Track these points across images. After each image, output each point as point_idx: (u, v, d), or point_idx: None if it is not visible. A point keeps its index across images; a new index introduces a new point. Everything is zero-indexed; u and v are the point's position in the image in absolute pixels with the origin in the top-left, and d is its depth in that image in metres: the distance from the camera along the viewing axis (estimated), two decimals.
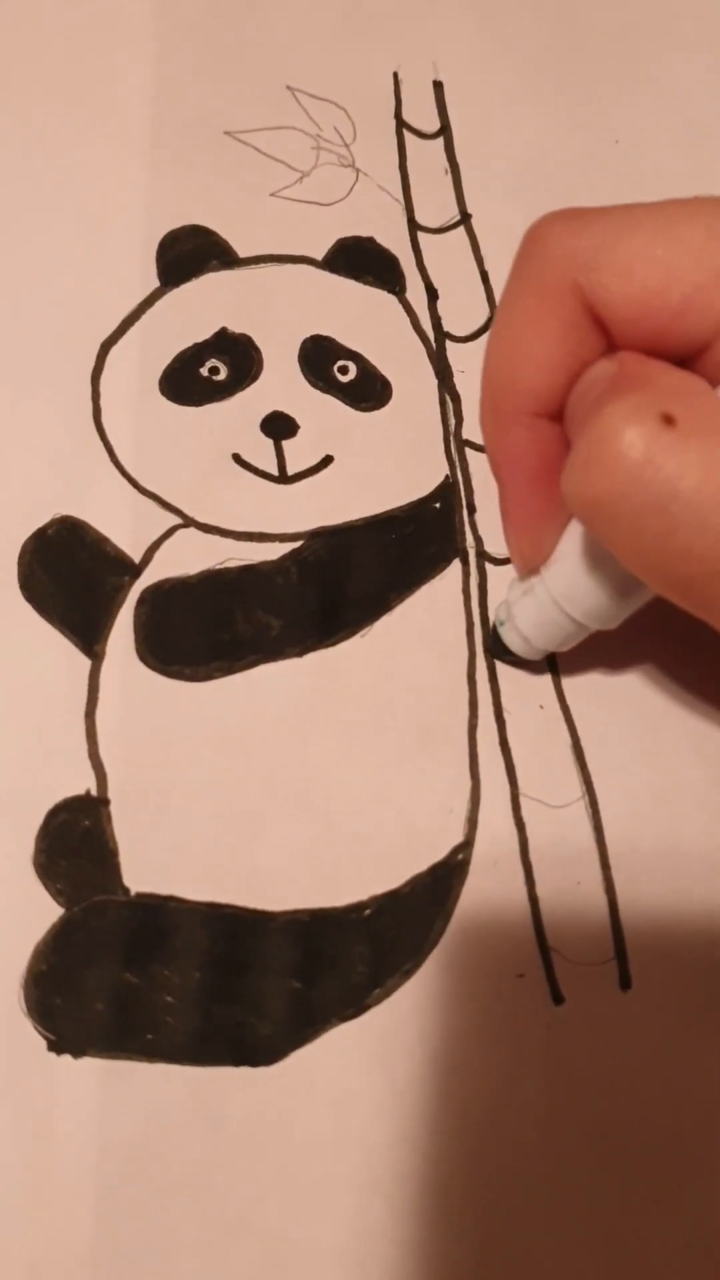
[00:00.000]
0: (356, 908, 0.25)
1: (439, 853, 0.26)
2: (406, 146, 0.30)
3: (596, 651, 0.27)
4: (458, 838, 0.26)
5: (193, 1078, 0.24)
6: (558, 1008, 0.25)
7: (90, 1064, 0.24)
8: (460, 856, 0.26)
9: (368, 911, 0.25)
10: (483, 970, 0.25)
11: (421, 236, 0.30)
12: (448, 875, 0.26)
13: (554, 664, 0.27)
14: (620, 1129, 0.24)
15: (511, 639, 0.26)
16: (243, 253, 0.29)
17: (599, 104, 0.31)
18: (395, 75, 0.31)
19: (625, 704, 0.27)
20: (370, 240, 0.29)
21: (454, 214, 0.30)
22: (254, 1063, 0.24)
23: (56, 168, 0.29)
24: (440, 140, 0.30)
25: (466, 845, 0.26)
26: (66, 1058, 0.24)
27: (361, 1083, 0.24)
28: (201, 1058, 0.24)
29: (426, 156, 0.30)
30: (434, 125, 0.31)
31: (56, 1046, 0.24)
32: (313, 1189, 0.24)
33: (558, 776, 0.26)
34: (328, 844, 0.26)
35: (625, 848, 0.26)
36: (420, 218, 0.30)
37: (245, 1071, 0.24)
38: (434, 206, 0.30)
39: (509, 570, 0.28)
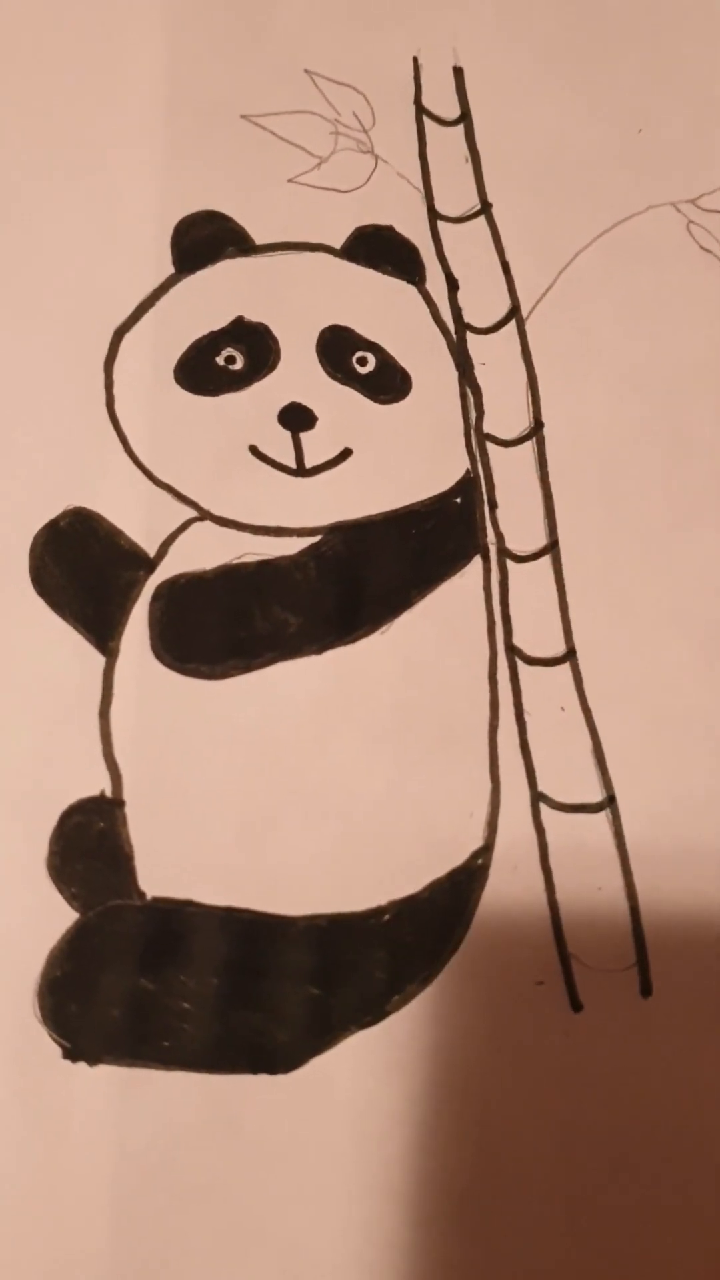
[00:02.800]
0: (375, 913, 0.25)
1: (459, 857, 0.25)
2: (426, 133, 0.30)
3: (618, 651, 0.27)
4: (477, 842, 0.25)
5: (210, 1085, 0.24)
6: (577, 1015, 0.24)
7: (106, 1071, 0.24)
8: (480, 861, 0.25)
9: (387, 917, 0.25)
10: (502, 977, 0.25)
11: (441, 225, 0.29)
12: (467, 880, 0.25)
13: (575, 662, 0.27)
14: (639, 1138, 0.24)
15: None
16: (259, 239, 0.28)
17: (621, 92, 0.31)
18: (415, 60, 0.30)
19: (646, 707, 0.27)
20: (389, 229, 0.29)
21: (474, 203, 0.29)
22: (272, 1070, 0.24)
23: (70, 151, 0.28)
24: (460, 127, 0.30)
25: (486, 850, 0.25)
26: (82, 1065, 0.24)
27: (380, 1090, 0.24)
28: (219, 1065, 0.24)
29: (446, 144, 0.30)
30: (454, 112, 0.30)
31: (72, 1054, 0.24)
32: (330, 1197, 0.23)
33: (578, 780, 0.26)
34: (346, 847, 0.25)
35: (647, 852, 0.25)
36: (440, 206, 0.29)
37: (263, 1079, 0.24)
38: (454, 195, 0.29)
39: (532, 567, 0.27)
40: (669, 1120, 0.24)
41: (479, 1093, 0.24)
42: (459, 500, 0.27)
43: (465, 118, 0.30)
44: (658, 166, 0.30)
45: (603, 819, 0.26)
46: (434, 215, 0.29)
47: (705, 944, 0.25)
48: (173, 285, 0.28)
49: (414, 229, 0.29)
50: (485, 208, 0.29)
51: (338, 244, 0.29)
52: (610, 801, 0.26)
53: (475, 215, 0.29)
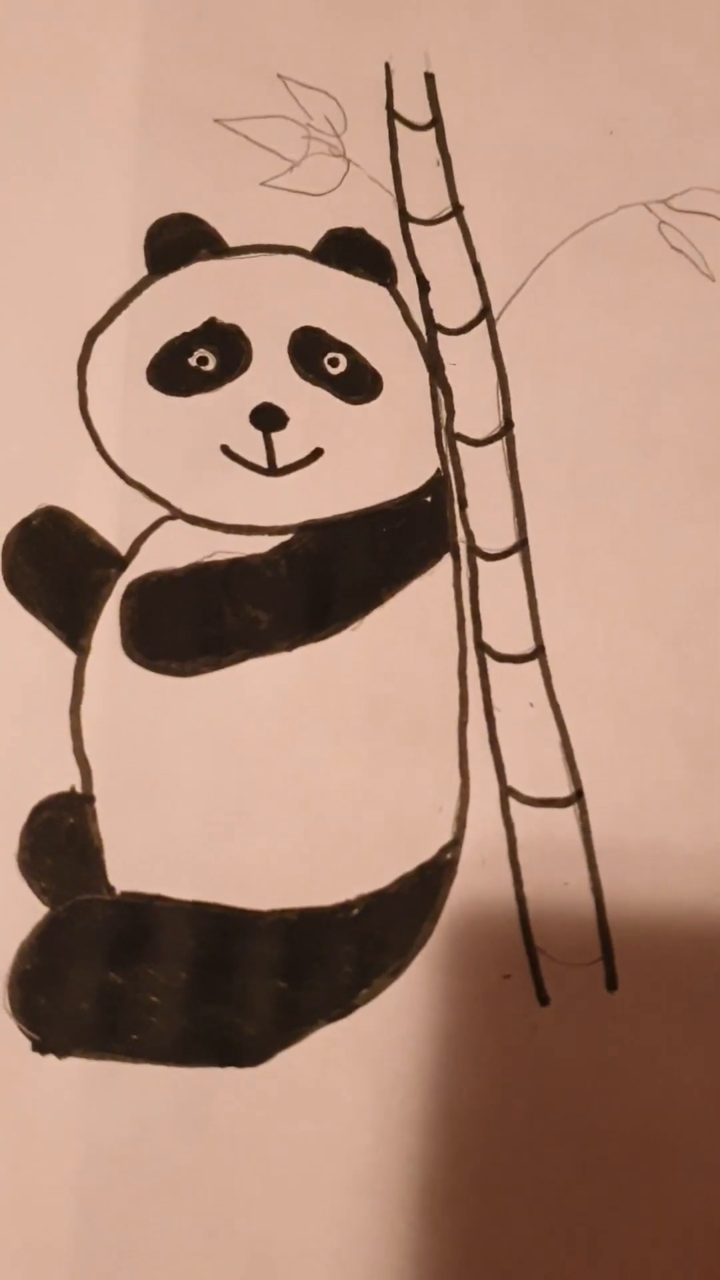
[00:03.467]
0: (344, 907, 0.25)
1: (427, 852, 0.25)
2: (398, 137, 0.30)
3: (587, 648, 0.27)
4: (446, 837, 0.26)
5: (178, 1079, 0.24)
6: (544, 1009, 0.25)
7: (75, 1065, 0.24)
8: (449, 856, 0.25)
9: (355, 911, 0.25)
10: (469, 971, 0.25)
11: (413, 228, 0.29)
12: (436, 875, 0.25)
13: (544, 659, 0.27)
14: (606, 1129, 0.24)
15: None
16: (232, 242, 0.29)
17: (593, 95, 0.31)
18: (387, 66, 0.30)
19: (614, 703, 0.27)
20: (361, 232, 0.29)
21: (446, 205, 0.30)
22: (240, 1063, 0.24)
23: (45, 154, 0.29)
24: (432, 132, 0.30)
25: (455, 844, 0.26)
26: (51, 1058, 0.24)
27: (348, 1083, 0.24)
28: (187, 1058, 0.24)
29: (418, 148, 0.30)
30: (426, 117, 0.30)
31: (41, 1047, 0.24)
32: (298, 1190, 0.23)
33: (546, 775, 0.26)
34: (316, 842, 0.25)
35: (613, 847, 0.26)
36: (412, 209, 0.29)
37: (231, 1072, 0.24)
38: (425, 198, 0.30)
39: (501, 565, 0.28)
40: (635, 1111, 0.24)
41: (446, 1085, 0.24)
42: (429, 499, 0.28)
43: (436, 122, 0.30)
44: (629, 168, 0.31)
45: (570, 814, 0.26)
46: (405, 218, 0.29)
47: (670, 938, 0.25)
48: (146, 287, 0.28)
49: (385, 232, 0.29)
50: (457, 210, 0.30)
51: (310, 246, 0.29)
52: (578, 796, 0.26)
53: (447, 218, 0.30)
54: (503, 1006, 0.24)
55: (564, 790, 0.26)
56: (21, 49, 0.29)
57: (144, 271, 0.28)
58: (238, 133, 0.29)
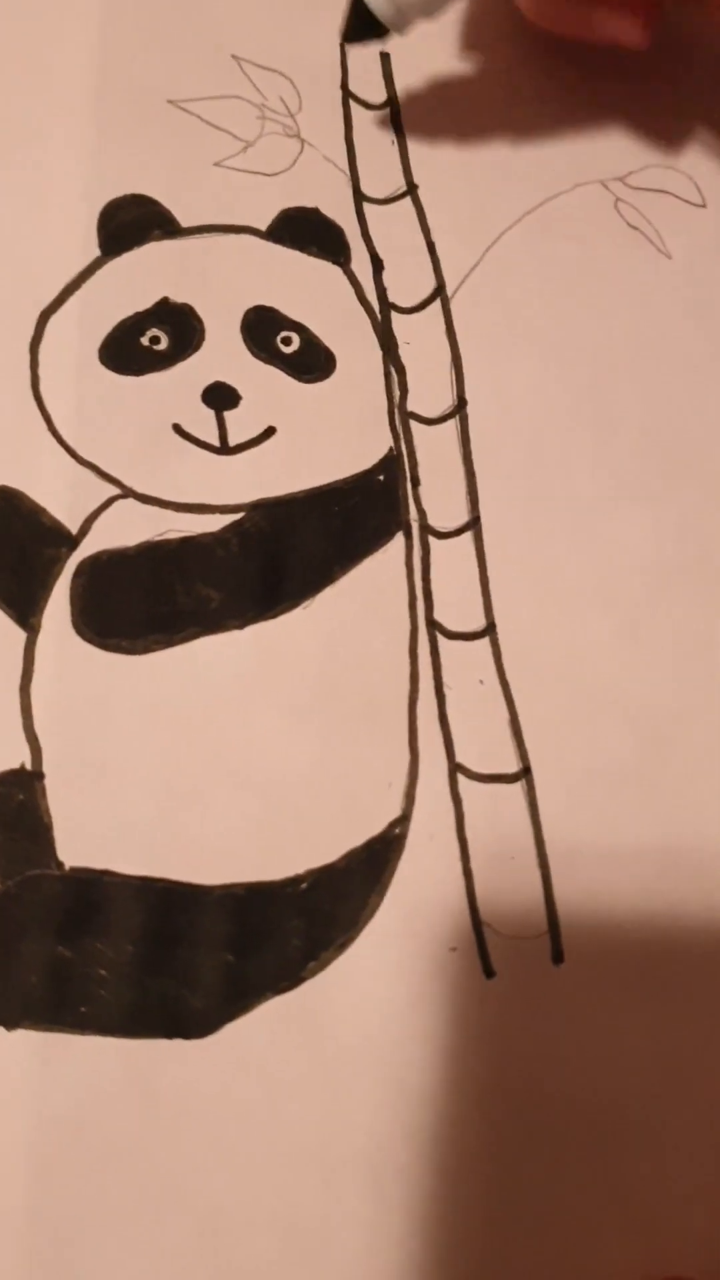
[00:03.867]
0: (293, 881, 0.25)
1: (376, 827, 0.26)
2: (353, 117, 0.30)
3: (538, 626, 0.27)
4: (395, 812, 0.26)
5: (126, 1050, 0.24)
6: (490, 981, 0.25)
7: (23, 1036, 0.24)
8: (397, 831, 0.26)
9: (304, 885, 0.25)
10: (417, 944, 0.25)
11: (367, 207, 0.29)
12: (384, 849, 0.26)
13: (494, 637, 0.27)
14: (553, 1100, 0.24)
15: None
16: (186, 222, 0.29)
17: (549, 72, 0.31)
18: (342, 47, 0.30)
19: (564, 681, 0.27)
20: (315, 211, 0.29)
21: (400, 185, 0.30)
22: (187, 1035, 0.24)
23: None
24: (387, 111, 0.30)
25: (404, 819, 0.26)
26: (0, 1030, 0.24)
27: (295, 1055, 0.24)
28: (135, 1030, 0.24)
29: (373, 127, 0.30)
30: (381, 96, 0.30)
31: None
32: (246, 1160, 0.24)
33: (495, 752, 0.26)
34: (265, 818, 0.25)
35: (560, 823, 0.26)
36: (366, 188, 0.30)
37: (179, 1044, 0.24)
38: (380, 177, 0.30)
39: (453, 543, 0.28)
40: (581, 1082, 0.24)
41: (393, 1057, 0.24)
42: (382, 477, 0.28)
43: (392, 101, 0.30)
44: (586, 146, 0.31)
45: (518, 790, 0.26)
46: (360, 197, 0.29)
47: (615, 913, 0.25)
48: (99, 268, 0.28)
49: (340, 211, 0.29)
50: (411, 189, 0.30)
51: (264, 226, 0.29)
52: (525, 773, 0.26)
53: (401, 196, 0.30)
54: (449, 979, 0.25)
55: (512, 766, 0.26)
56: None
57: (97, 253, 0.28)
58: (192, 113, 0.29)
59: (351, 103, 0.30)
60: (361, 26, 0.27)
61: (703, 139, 0.31)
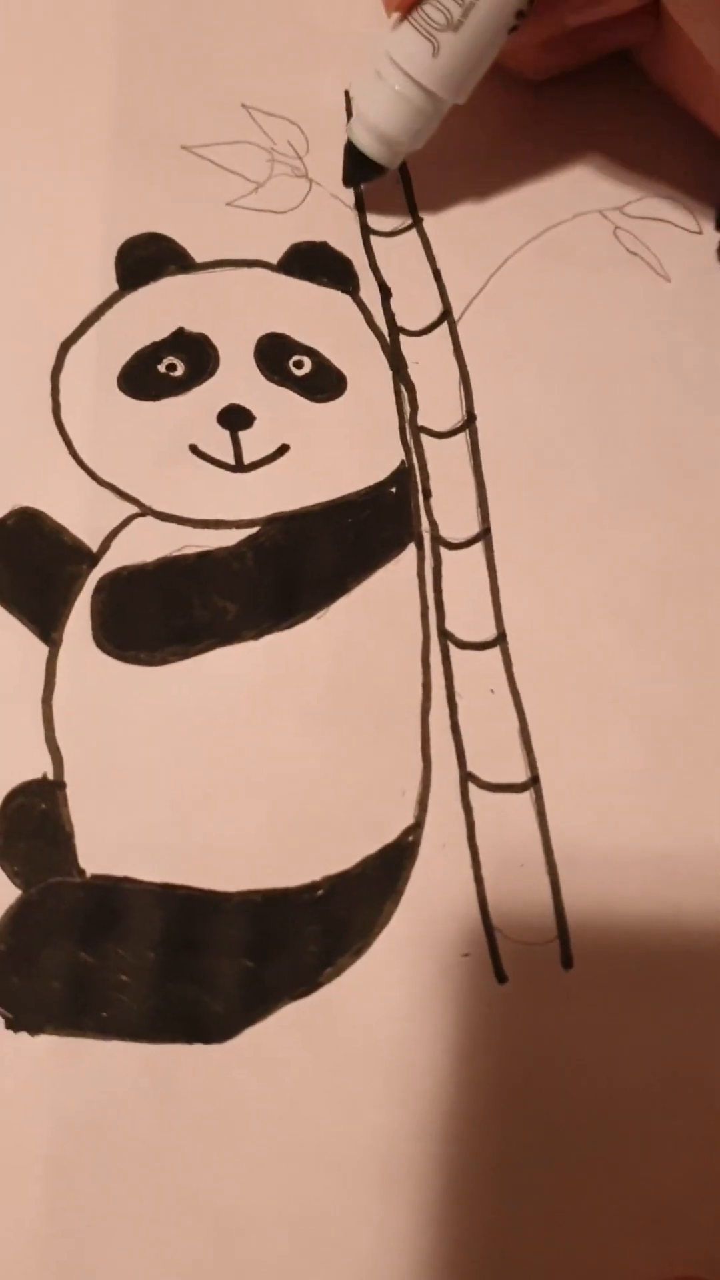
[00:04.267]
0: (309, 888, 0.26)
1: (390, 834, 0.26)
2: None
3: (547, 636, 0.28)
4: (408, 819, 0.26)
5: (146, 1055, 0.24)
6: (502, 986, 0.25)
7: (46, 1041, 0.24)
8: (411, 838, 0.26)
9: (320, 892, 0.26)
10: (430, 950, 0.25)
11: (374, 240, 0.31)
12: (398, 856, 0.26)
13: (505, 646, 0.27)
14: (562, 1103, 0.24)
15: (363, 138, 0.28)
16: (200, 258, 0.30)
17: (550, 111, 0.32)
18: (347, 93, 0.32)
19: (573, 690, 0.27)
20: (324, 244, 0.30)
21: (405, 219, 0.31)
22: (207, 1040, 0.24)
23: (19, 181, 0.30)
24: None
25: (417, 827, 0.26)
26: (24, 1035, 0.24)
27: (312, 1060, 0.24)
28: (156, 1035, 0.24)
29: None
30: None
31: (14, 1024, 0.24)
32: (262, 1163, 0.24)
33: (505, 760, 0.27)
34: (281, 825, 0.26)
35: (568, 831, 0.26)
36: (373, 223, 0.31)
37: (198, 1049, 0.24)
38: (386, 212, 0.31)
39: (464, 554, 0.28)
40: (591, 1085, 0.24)
41: (408, 1061, 0.24)
42: (394, 490, 0.29)
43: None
44: (583, 179, 0.32)
45: (527, 798, 0.26)
46: (367, 231, 0.31)
47: (623, 919, 0.25)
48: (116, 301, 0.29)
49: (348, 244, 0.31)
50: (416, 222, 0.31)
51: (275, 260, 0.30)
52: (534, 782, 0.26)
53: (407, 230, 0.31)
54: (462, 984, 0.25)
55: (521, 776, 0.26)
56: (1, 83, 0.31)
57: (115, 287, 0.29)
58: (204, 158, 0.31)
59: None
60: (358, 169, 0.29)
61: (696, 169, 0.32)
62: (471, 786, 0.26)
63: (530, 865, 0.26)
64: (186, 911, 0.25)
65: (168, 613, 0.27)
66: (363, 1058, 0.24)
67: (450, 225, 0.31)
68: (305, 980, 0.25)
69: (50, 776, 0.26)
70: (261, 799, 0.26)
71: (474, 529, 0.28)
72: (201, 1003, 0.25)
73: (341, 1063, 0.24)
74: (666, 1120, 0.24)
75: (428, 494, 0.29)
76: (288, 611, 0.27)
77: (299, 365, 0.29)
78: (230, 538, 0.28)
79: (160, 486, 0.28)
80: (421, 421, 0.29)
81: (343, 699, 0.27)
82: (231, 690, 0.27)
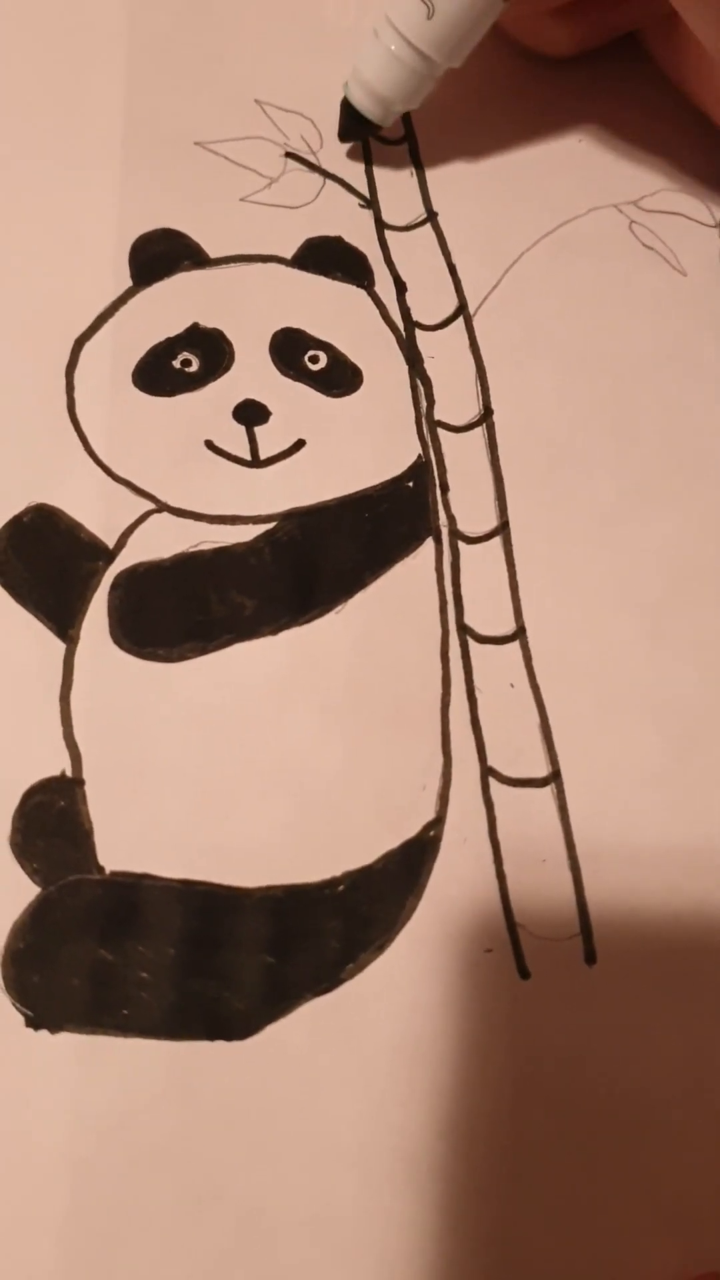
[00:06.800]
0: (330, 883, 0.25)
1: (411, 829, 0.26)
2: (372, 151, 0.31)
3: (566, 630, 0.27)
4: (430, 814, 0.26)
5: (167, 1052, 0.24)
6: (524, 982, 0.25)
7: (67, 1039, 0.24)
8: (432, 833, 0.26)
9: (341, 887, 0.25)
10: (452, 945, 0.25)
11: (389, 234, 0.30)
12: (420, 851, 0.26)
13: (525, 641, 0.27)
14: (585, 1100, 0.24)
15: (358, 95, 0.28)
16: (214, 254, 0.30)
17: (562, 104, 0.32)
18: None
19: (593, 684, 0.27)
20: (338, 239, 0.30)
21: (420, 213, 0.31)
22: (228, 1037, 0.24)
23: (33, 179, 0.30)
24: (405, 146, 0.31)
25: (438, 822, 0.26)
26: (44, 1033, 0.24)
27: (334, 1056, 0.24)
28: (176, 1032, 0.24)
29: (392, 160, 0.31)
30: (399, 131, 0.31)
31: (34, 1023, 0.24)
32: (285, 1160, 0.24)
33: (525, 755, 0.26)
34: (302, 821, 0.26)
35: (589, 825, 0.26)
36: (387, 217, 0.31)
37: (219, 1045, 0.24)
38: (400, 207, 0.31)
39: (482, 548, 0.28)
40: (615, 1081, 0.24)
41: (430, 1057, 0.24)
42: (411, 484, 0.28)
43: (410, 136, 0.31)
44: (598, 173, 0.32)
45: (548, 793, 0.26)
46: (381, 225, 0.31)
47: (645, 914, 0.25)
48: (131, 297, 0.29)
49: (362, 239, 0.30)
50: (431, 216, 0.31)
51: (289, 255, 0.30)
52: (555, 776, 0.26)
53: (421, 224, 0.31)
54: (484, 980, 0.25)
55: (542, 770, 0.26)
56: (14, 83, 0.31)
57: (129, 284, 0.29)
58: (218, 154, 0.31)
59: (371, 138, 0.31)
60: (353, 125, 0.30)
61: (712, 163, 0.32)
62: (492, 781, 0.26)
63: (552, 860, 0.26)
64: (207, 908, 0.25)
65: (185, 609, 0.27)
66: (385, 1054, 0.24)
67: (465, 219, 0.31)
68: (326, 977, 0.25)
69: (69, 774, 0.26)
70: (281, 795, 0.26)
71: (492, 523, 0.28)
72: (222, 999, 0.25)
73: (363, 1059, 0.24)
74: (691, 1117, 0.24)
75: (445, 488, 0.28)
76: (305, 607, 0.27)
77: (314, 360, 0.29)
78: (247, 533, 0.28)
79: (176, 482, 0.28)
80: (438, 416, 0.29)
81: (362, 694, 0.27)
82: (250, 686, 0.27)
